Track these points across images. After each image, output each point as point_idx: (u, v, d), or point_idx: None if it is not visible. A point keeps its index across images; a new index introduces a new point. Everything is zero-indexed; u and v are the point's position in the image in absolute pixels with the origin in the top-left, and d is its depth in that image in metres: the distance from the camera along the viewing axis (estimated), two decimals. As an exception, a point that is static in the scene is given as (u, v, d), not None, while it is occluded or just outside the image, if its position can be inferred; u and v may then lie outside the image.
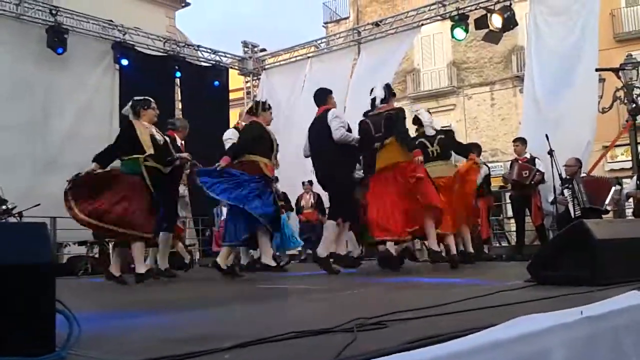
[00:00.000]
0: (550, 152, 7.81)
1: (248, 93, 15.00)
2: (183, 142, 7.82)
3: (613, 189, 8.14)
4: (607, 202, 8.04)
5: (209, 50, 13.73)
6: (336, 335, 2.05)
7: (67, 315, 1.90)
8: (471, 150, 7.54)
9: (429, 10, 11.65)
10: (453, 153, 7.25)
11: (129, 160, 6.04)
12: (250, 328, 2.50)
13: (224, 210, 10.91)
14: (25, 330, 1.74)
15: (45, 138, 10.48)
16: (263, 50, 14.99)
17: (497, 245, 10.40)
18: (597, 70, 8.08)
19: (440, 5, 11.42)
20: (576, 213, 7.95)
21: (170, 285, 6.46)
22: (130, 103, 6.64)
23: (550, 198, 8.38)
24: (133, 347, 2.18)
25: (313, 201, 11.37)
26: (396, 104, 6.80)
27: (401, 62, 12.95)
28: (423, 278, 5.26)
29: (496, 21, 10.30)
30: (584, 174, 8.58)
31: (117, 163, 6.23)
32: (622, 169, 17.11)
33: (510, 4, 10.32)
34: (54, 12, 10.59)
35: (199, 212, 12.74)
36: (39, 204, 8.72)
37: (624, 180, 9.65)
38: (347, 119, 10.58)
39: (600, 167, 12.83)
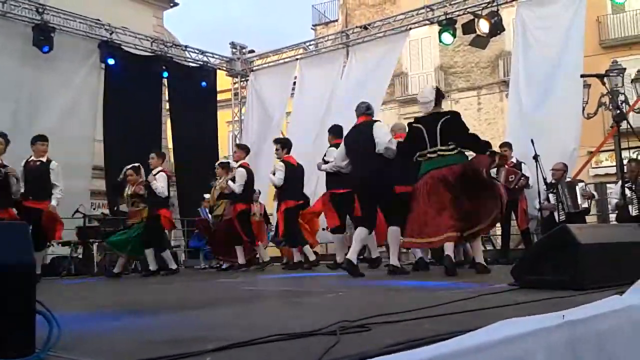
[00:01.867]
0: (536, 157, 7.86)
1: (236, 94, 14.98)
2: None
3: (577, 187, 8.31)
4: (579, 201, 8.22)
5: (196, 51, 13.68)
6: (319, 337, 2.04)
7: (47, 316, 1.88)
8: None
9: (417, 14, 11.70)
10: None
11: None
12: (233, 330, 2.49)
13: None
14: (4, 331, 1.72)
15: (29, 137, 10.36)
16: (251, 51, 14.97)
17: (482, 248, 10.42)
18: (582, 76, 8.14)
19: (428, 9, 11.47)
20: (561, 218, 8.02)
21: (153, 287, 6.43)
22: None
23: (536, 202, 8.45)
24: (114, 349, 2.16)
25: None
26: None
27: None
28: (406, 281, 5.26)
29: (483, 26, 10.36)
30: (569, 179, 8.65)
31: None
32: (607, 174, 17.26)
33: (498, 9, 10.39)
34: (40, 10, 10.50)
35: (185, 214, 12.70)
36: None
37: (608, 185, 9.76)
38: (336, 122, 10.78)
39: (585, 172, 12.93)
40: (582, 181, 8.83)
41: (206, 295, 4.76)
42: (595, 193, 9.31)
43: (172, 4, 21.16)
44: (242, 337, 2.01)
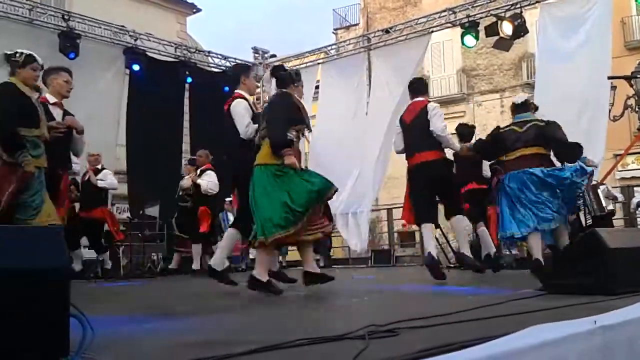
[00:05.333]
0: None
1: (258, 99, 15.04)
2: None
3: (599, 190, 8.20)
4: (604, 204, 8.11)
5: (219, 56, 13.77)
6: (348, 342, 2.05)
7: (81, 320, 1.91)
8: None
9: (439, 17, 11.64)
10: None
11: None
12: (262, 334, 2.50)
13: (230, 215, 10.94)
14: (39, 334, 1.75)
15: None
16: (273, 56, 15.01)
17: (507, 252, 10.33)
18: (609, 78, 8.03)
19: (450, 12, 11.41)
20: (587, 222, 7.91)
21: (181, 291, 6.48)
22: None
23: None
24: (145, 352, 2.19)
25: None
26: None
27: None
28: (433, 286, 5.23)
29: (507, 28, 10.27)
30: (595, 181, 8.54)
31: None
32: (633, 178, 17.01)
33: (521, 11, 10.30)
34: (66, 17, 10.65)
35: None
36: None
37: (635, 188, 9.61)
38: (368, 125, 10.60)
39: (611, 175, 12.75)
40: (604, 184, 8.70)
41: (233, 299, 4.77)
42: (618, 195, 9.17)
43: (195, 10, 21.35)
44: (270, 341, 2.02)
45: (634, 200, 8.94)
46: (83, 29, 10.99)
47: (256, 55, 14.76)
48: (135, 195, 11.48)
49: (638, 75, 10.15)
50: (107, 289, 7.52)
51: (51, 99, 5.76)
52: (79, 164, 7.75)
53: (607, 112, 9.63)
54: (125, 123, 11.62)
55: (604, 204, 8.13)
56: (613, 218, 8.59)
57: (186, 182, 9.29)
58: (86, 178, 9.00)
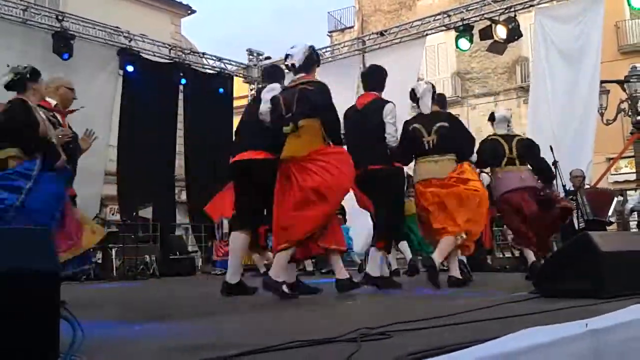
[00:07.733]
0: (555, 164, 7.79)
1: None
2: None
3: (615, 200, 8.17)
4: (609, 213, 8.08)
5: (214, 58, 13.76)
6: (340, 344, 2.04)
7: (71, 322, 1.90)
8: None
9: (434, 20, 11.68)
10: None
11: None
12: (254, 337, 2.49)
13: (225, 221, 10.86)
14: (29, 336, 1.74)
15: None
16: (267, 58, 15.01)
17: (501, 256, 10.35)
18: (602, 82, 8.07)
19: (445, 15, 11.45)
20: (580, 225, 7.93)
21: (173, 293, 6.46)
22: None
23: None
24: (136, 355, 2.18)
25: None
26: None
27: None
28: (426, 289, 5.23)
29: (501, 32, 10.33)
30: (588, 185, 8.57)
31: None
32: (626, 181, 17.07)
33: (515, 15, 10.34)
34: (60, 17, 10.62)
35: (198, 220, 12.66)
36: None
37: (628, 192, 9.64)
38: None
39: (604, 179, 12.79)
40: (621, 195, 8.67)
41: (226, 301, 4.76)
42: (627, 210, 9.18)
43: (189, 12, 21.35)
44: (263, 344, 2.01)
45: (628, 206, 8.96)
46: (77, 29, 10.96)
47: (250, 57, 14.76)
48: (126, 196, 11.44)
49: (631, 80, 10.22)
50: (100, 291, 7.49)
51: None
52: None
53: (595, 116, 9.67)
54: (118, 124, 11.58)
55: (609, 213, 8.11)
56: (609, 225, 8.60)
57: None
58: None
